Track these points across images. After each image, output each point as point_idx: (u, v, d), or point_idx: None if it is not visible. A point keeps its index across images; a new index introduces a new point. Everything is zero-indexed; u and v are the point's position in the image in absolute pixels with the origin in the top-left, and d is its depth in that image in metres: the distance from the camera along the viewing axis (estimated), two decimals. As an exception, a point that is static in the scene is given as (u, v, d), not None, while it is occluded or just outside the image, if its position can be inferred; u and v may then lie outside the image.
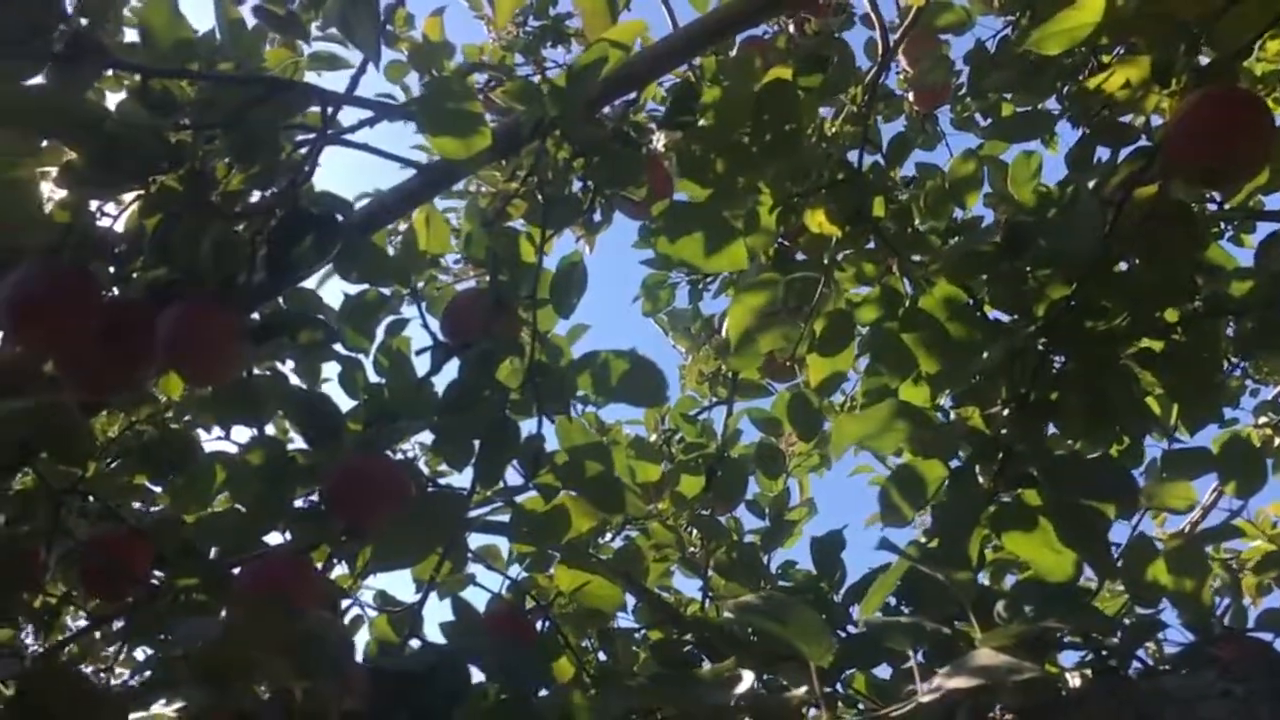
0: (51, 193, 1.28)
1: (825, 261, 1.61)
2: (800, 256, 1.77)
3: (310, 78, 1.85)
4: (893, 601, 1.26)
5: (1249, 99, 1.20)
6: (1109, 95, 1.26)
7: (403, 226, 2.17)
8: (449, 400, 1.34)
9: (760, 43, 2.17)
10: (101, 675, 1.82)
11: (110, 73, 1.35)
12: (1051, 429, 1.34)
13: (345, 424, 1.34)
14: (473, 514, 1.38)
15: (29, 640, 1.89)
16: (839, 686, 1.23)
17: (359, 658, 1.01)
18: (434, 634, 1.98)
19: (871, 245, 1.63)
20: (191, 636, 0.73)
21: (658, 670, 1.53)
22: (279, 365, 1.63)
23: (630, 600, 1.72)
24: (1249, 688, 0.91)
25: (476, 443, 1.35)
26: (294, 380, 1.61)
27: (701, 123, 1.50)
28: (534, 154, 1.41)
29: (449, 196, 2.27)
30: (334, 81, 1.90)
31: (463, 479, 1.39)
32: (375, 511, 1.22)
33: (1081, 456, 1.28)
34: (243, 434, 1.71)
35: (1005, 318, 1.40)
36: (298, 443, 1.40)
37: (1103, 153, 1.42)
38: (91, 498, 1.50)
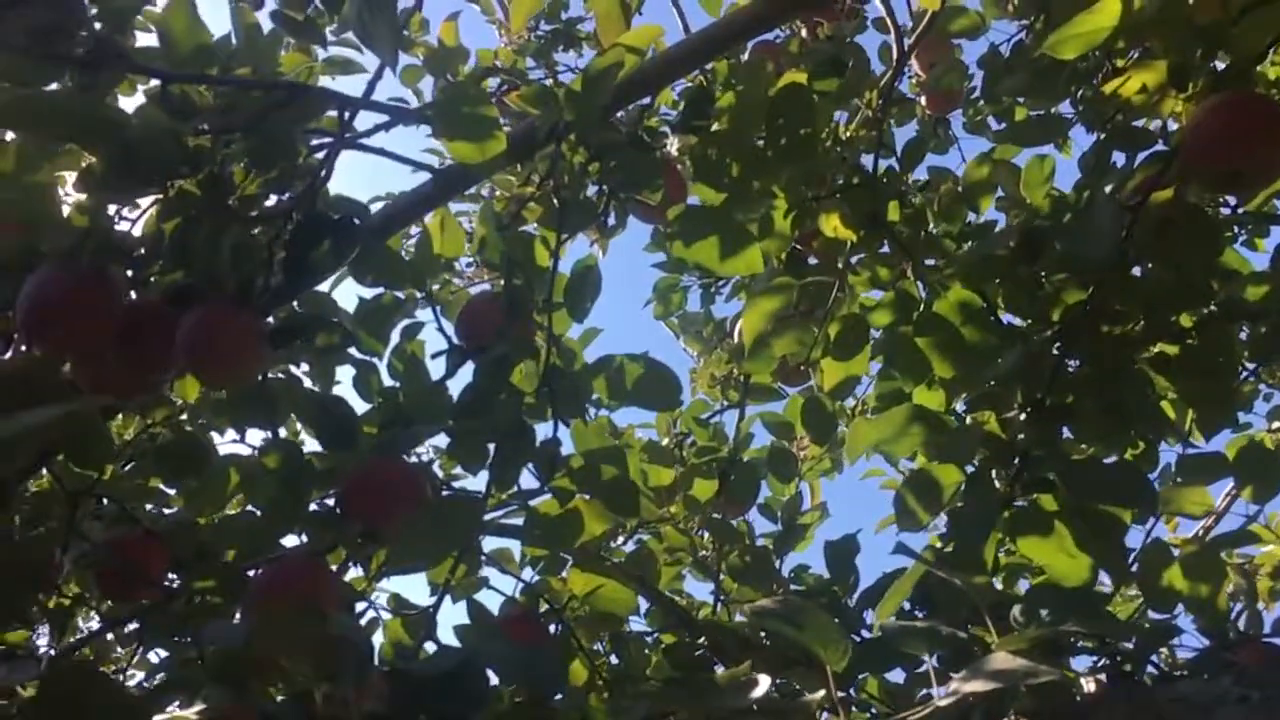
0: (71, 197, 1.29)
1: (839, 265, 1.61)
2: (812, 260, 1.77)
3: (323, 82, 1.86)
4: (906, 606, 1.27)
5: (1266, 104, 1.20)
6: (1125, 99, 1.26)
7: (413, 230, 2.18)
8: (464, 404, 1.34)
9: (772, 47, 2.17)
10: (116, 677, 1.82)
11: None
12: (1066, 433, 1.34)
13: (361, 427, 1.34)
14: (487, 517, 1.38)
15: (39, 642, 1.90)
16: (851, 691, 1.23)
17: (375, 660, 1.02)
18: (446, 637, 1.99)
19: (885, 249, 1.63)
20: (217, 638, 0.73)
21: (671, 674, 1.54)
22: (292, 369, 1.63)
23: (642, 604, 1.72)
24: (1266, 693, 0.91)
25: (491, 446, 1.35)
26: (306, 383, 1.61)
27: (716, 127, 1.50)
28: (549, 158, 1.41)
29: (462, 200, 2.27)
30: (346, 86, 1.90)
31: (477, 482, 1.40)
32: (391, 514, 1.23)
33: (1099, 460, 1.28)
34: (253, 438, 1.73)
35: (1019, 322, 1.40)
36: (311, 445, 1.41)
37: (1118, 157, 1.42)
38: (106, 500, 1.51)
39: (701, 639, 1.53)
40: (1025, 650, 0.93)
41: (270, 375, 1.49)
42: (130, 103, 1.32)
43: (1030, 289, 1.34)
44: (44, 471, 1.47)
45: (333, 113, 1.30)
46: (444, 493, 1.45)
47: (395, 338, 1.51)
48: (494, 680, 0.96)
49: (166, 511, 1.63)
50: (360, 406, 1.42)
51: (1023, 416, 1.27)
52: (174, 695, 0.94)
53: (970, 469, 1.31)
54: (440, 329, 1.45)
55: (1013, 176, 1.78)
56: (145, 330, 1.20)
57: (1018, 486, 1.24)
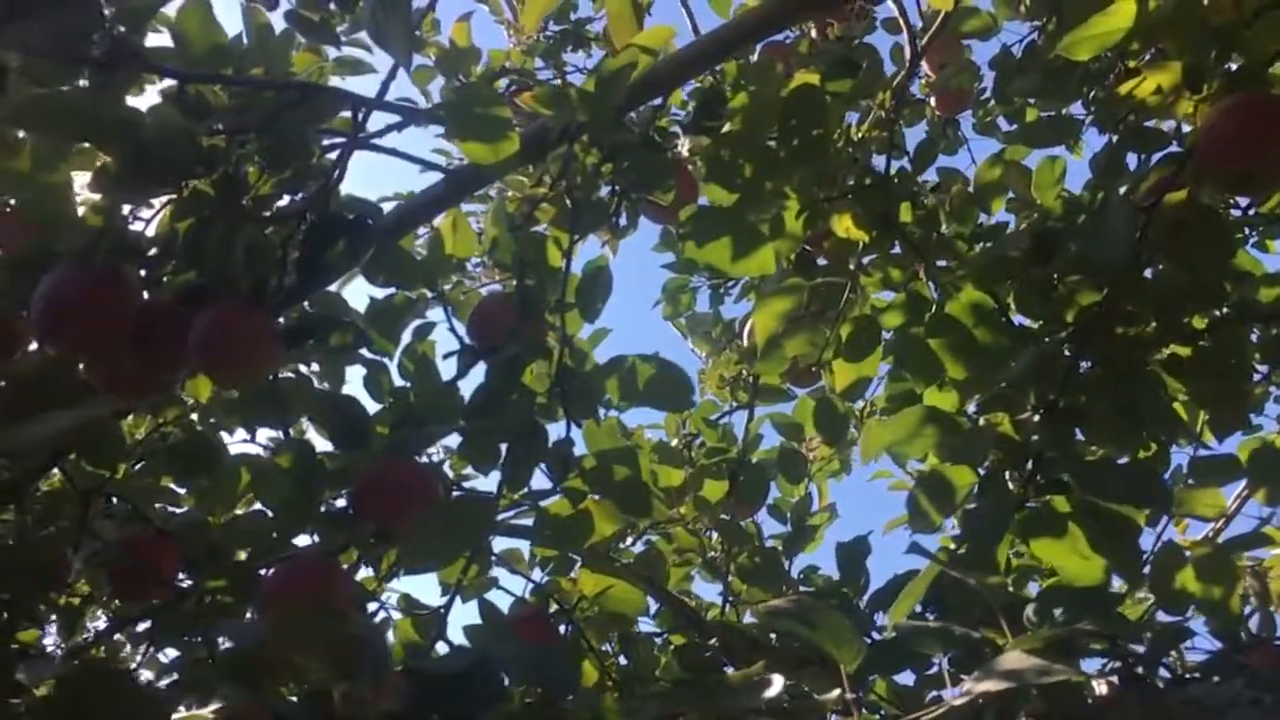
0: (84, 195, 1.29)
1: (851, 267, 1.61)
2: (822, 261, 1.77)
3: (333, 83, 1.86)
4: (917, 608, 1.26)
5: (1280, 106, 1.19)
6: (1139, 101, 1.26)
7: (421, 231, 2.18)
8: (476, 404, 1.34)
9: (782, 48, 2.17)
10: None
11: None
12: (1078, 435, 1.34)
13: (373, 427, 1.34)
14: (498, 518, 1.38)
15: (47, 642, 1.90)
16: (859, 693, 1.22)
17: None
18: (455, 637, 1.99)
19: (896, 250, 1.63)
20: (234, 637, 0.73)
21: (681, 675, 1.54)
22: (302, 368, 1.64)
23: (651, 605, 1.72)
24: (1278, 696, 0.91)
25: (503, 446, 1.35)
26: (315, 383, 1.62)
27: (728, 127, 1.50)
28: (561, 159, 1.41)
29: (470, 200, 2.28)
30: (354, 86, 1.91)
31: (486, 482, 1.40)
32: (404, 514, 1.23)
33: (1113, 461, 1.28)
34: (260, 438, 1.73)
35: (1030, 323, 1.40)
36: (321, 445, 1.41)
37: (1130, 158, 1.42)
38: (116, 499, 1.51)
39: (712, 640, 1.53)
40: (1038, 650, 0.93)
41: (280, 375, 1.49)
42: (139, 102, 1.32)
43: (1043, 291, 1.34)
44: (54, 470, 1.47)
45: (346, 113, 1.31)
46: (454, 493, 1.46)
47: (406, 338, 1.51)
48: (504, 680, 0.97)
49: (177, 511, 1.64)
50: (370, 406, 1.43)
51: (1036, 418, 1.27)
52: (188, 695, 0.94)
53: (982, 470, 1.30)
54: (452, 329, 1.45)
55: (1023, 178, 1.78)
56: (159, 330, 1.20)
57: (1031, 488, 1.24)
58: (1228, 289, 1.35)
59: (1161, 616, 1.33)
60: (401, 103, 1.37)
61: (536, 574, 1.65)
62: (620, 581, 1.53)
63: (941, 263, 1.58)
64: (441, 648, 1.37)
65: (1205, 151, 1.17)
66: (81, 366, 1.26)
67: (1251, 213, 1.56)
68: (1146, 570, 1.27)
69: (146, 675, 1.87)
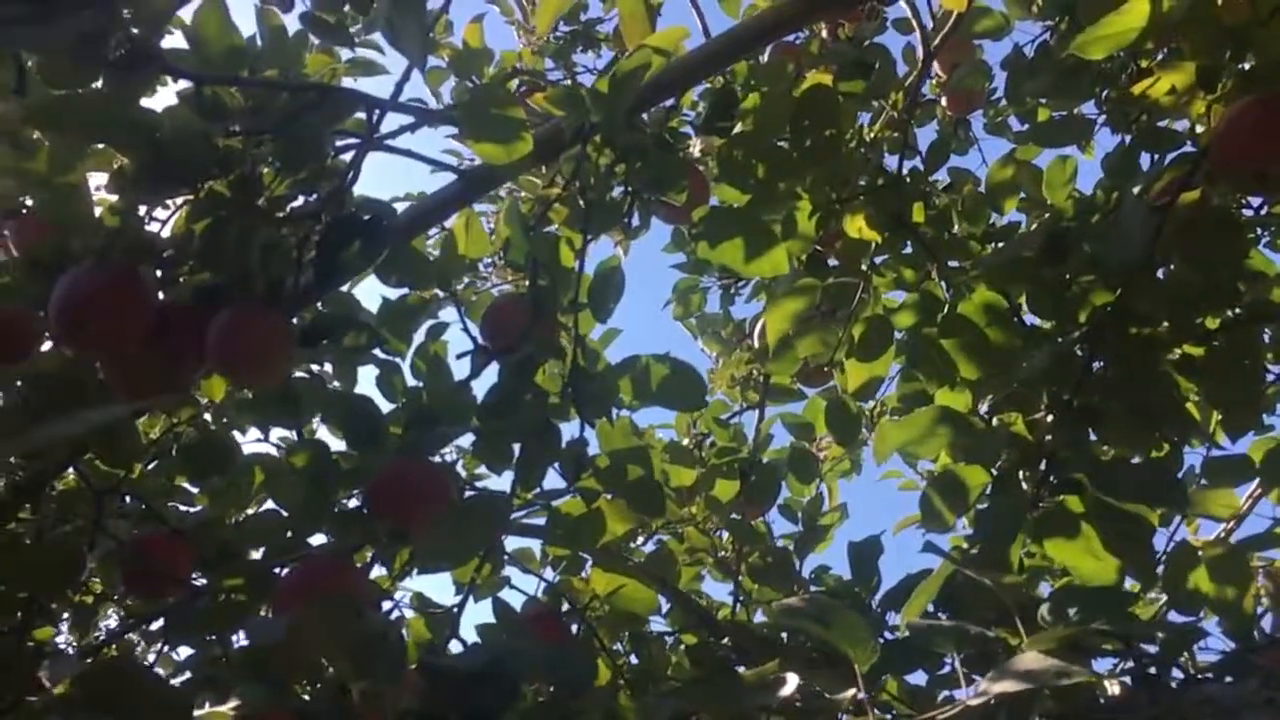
0: (102, 197, 1.30)
1: (863, 267, 1.61)
2: (832, 262, 1.77)
3: (346, 83, 1.87)
4: (930, 608, 1.26)
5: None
6: (1152, 101, 1.26)
7: (430, 231, 2.19)
8: (490, 404, 1.35)
9: (792, 48, 2.17)
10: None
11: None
12: (1090, 435, 1.34)
13: (386, 427, 1.35)
14: (511, 517, 1.38)
15: (59, 640, 1.91)
16: (871, 692, 1.22)
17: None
18: (467, 636, 1.99)
19: (908, 250, 1.63)
20: (257, 634, 0.74)
21: (693, 674, 1.54)
22: (314, 368, 1.64)
23: (662, 604, 1.72)
24: (1293, 696, 0.91)
25: (516, 446, 1.36)
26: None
27: (740, 128, 1.50)
28: (574, 159, 1.42)
29: (481, 201, 2.28)
30: (366, 88, 1.91)
31: (498, 482, 1.40)
32: (419, 514, 1.23)
33: (1127, 460, 1.28)
34: (272, 438, 1.74)
35: (1041, 324, 1.40)
36: (334, 445, 1.42)
37: (1143, 158, 1.42)
38: (129, 498, 1.52)
39: (724, 639, 1.53)
40: (1054, 650, 0.93)
41: (294, 374, 1.50)
42: (152, 102, 1.33)
43: (1055, 291, 1.34)
44: (69, 469, 1.48)
45: (360, 114, 1.31)
46: (467, 493, 1.46)
47: (419, 338, 1.52)
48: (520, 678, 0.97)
49: (191, 510, 1.65)
50: (383, 406, 1.43)
51: (1049, 418, 1.27)
52: (204, 693, 0.94)
53: (995, 470, 1.30)
54: (465, 329, 1.45)
55: (1034, 178, 1.78)
56: (175, 330, 1.21)
57: (1044, 488, 1.24)
58: (1241, 289, 1.35)
59: (1173, 617, 1.33)
60: (416, 104, 1.38)
61: (548, 573, 1.65)
62: (632, 581, 1.53)
63: (954, 263, 1.58)
64: (453, 646, 1.38)
65: (1220, 151, 1.17)
66: (98, 366, 1.27)
67: (1264, 213, 1.56)
68: (1160, 570, 1.27)
69: (160, 673, 1.88)
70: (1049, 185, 1.77)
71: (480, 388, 1.46)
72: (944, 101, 2.18)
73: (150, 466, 1.62)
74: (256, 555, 1.43)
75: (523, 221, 1.39)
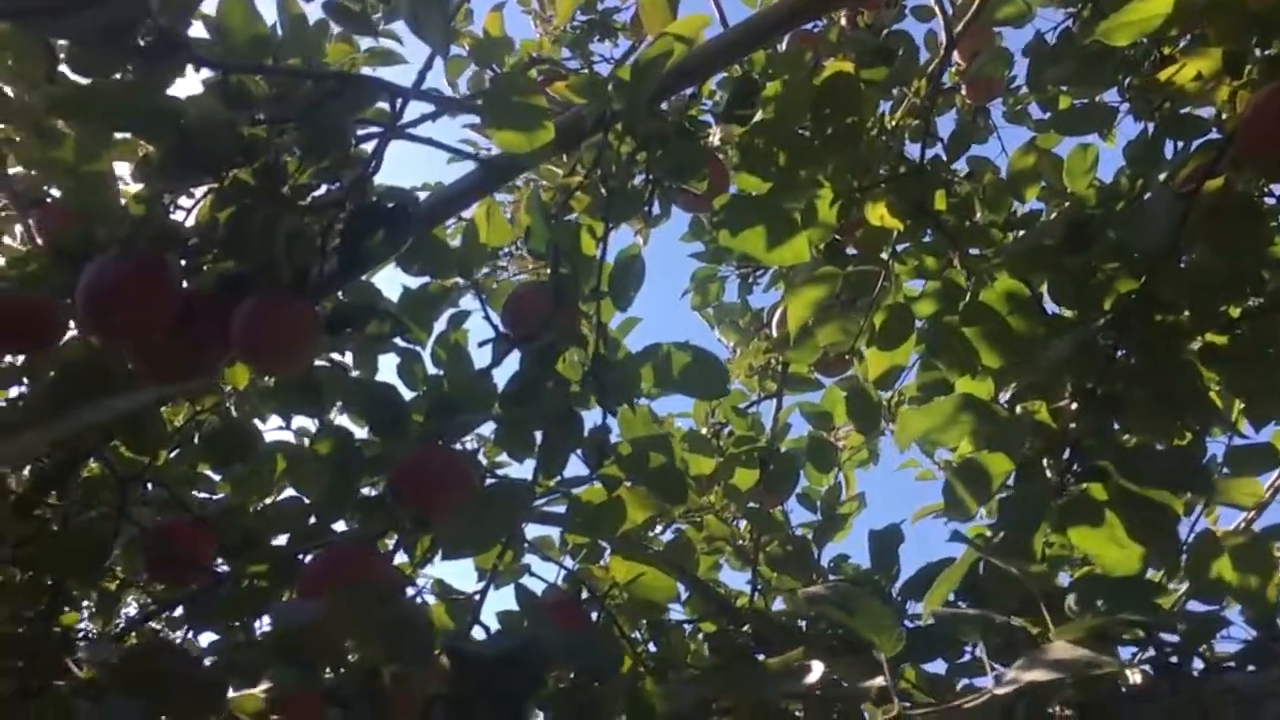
0: (128, 186, 1.30)
1: (884, 255, 1.61)
2: (851, 250, 1.77)
3: (365, 72, 1.87)
4: (950, 597, 1.26)
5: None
6: (1177, 87, 1.25)
7: (449, 221, 2.19)
8: (511, 392, 1.35)
9: (810, 36, 2.16)
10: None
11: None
12: (1115, 423, 1.33)
13: (410, 413, 1.35)
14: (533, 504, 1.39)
15: (80, 627, 1.92)
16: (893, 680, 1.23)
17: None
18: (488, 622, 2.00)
19: (930, 238, 1.62)
20: (288, 618, 0.75)
21: (713, 661, 1.54)
22: (335, 356, 1.65)
23: (681, 592, 1.73)
24: (1317, 685, 0.91)
25: (538, 434, 1.36)
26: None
27: (760, 116, 1.50)
28: (595, 147, 1.42)
29: (501, 190, 2.28)
30: (386, 77, 1.91)
31: (519, 469, 1.41)
32: (442, 501, 1.23)
33: (1152, 446, 1.27)
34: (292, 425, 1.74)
35: (1062, 311, 1.39)
36: (357, 433, 1.42)
37: (1167, 145, 1.41)
38: (151, 485, 1.53)
39: (745, 627, 1.53)
40: (1081, 640, 0.93)
41: (316, 363, 1.51)
42: (174, 92, 1.33)
43: (1077, 279, 1.34)
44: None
45: (382, 103, 1.31)
46: (489, 480, 1.46)
47: (441, 326, 1.52)
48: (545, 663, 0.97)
49: (214, 498, 1.66)
50: (404, 395, 1.44)
51: (1073, 406, 1.27)
52: (233, 677, 0.95)
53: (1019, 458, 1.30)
54: (487, 317, 1.46)
55: (1055, 166, 1.77)
56: (200, 318, 1.21)
57: (1068, 476, 1.23)
58: (1265, 277, 1.34)
59: (1193, 605, 1.32)
60: (437, 93, 1.38)
61: (568, 561, 1.66)
62: (651, 568, 1.54)
63: (975, 251, 1.58)
64: (476, 632, 1.39)
65: (1247, 137, 1.16)
66: (124, 354, 1.28)
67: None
68: (1184, 559, 1.27)
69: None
70: (1070, 173, 1.76)
71: (501, 376, 1.46)
72: (963, 89, 2.17)
73: (173, 454, 1.63)
74: (278, 542, 1.44)
75: (544, 210, 1.39)
